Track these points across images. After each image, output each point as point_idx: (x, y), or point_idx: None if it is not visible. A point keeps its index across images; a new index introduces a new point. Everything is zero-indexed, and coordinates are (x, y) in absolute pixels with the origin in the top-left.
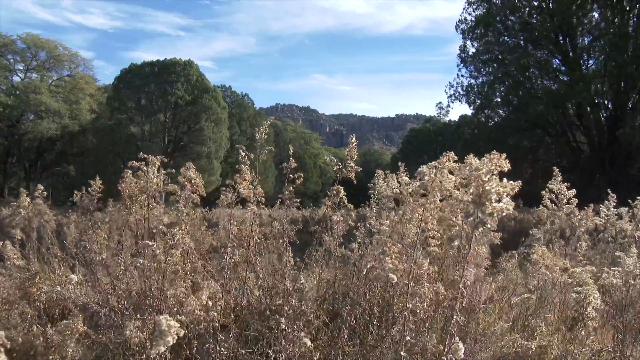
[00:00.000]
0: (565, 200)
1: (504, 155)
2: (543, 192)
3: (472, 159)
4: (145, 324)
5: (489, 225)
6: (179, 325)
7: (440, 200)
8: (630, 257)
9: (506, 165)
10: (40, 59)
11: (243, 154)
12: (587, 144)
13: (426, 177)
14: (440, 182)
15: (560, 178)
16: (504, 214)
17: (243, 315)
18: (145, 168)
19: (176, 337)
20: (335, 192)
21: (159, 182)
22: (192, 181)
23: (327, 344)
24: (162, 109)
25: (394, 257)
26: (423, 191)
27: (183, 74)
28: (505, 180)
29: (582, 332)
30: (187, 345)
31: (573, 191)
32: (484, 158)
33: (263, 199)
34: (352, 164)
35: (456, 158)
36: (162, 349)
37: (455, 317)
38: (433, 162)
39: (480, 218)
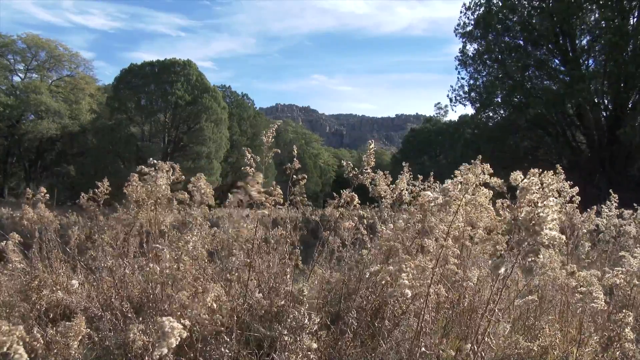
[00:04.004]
0: (567, 198)
1: (550, 173)
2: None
3: (517, 175)
4: (148, 327)
5: (541, 257)
6: (182, 327)
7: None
8: (634, 258)
9: (555, 183)
10: (40, 59)
11: (249, 156)
12: (587, 144)
13: (450, 194)
14: (473, 197)
15: (563, 176)
16: (555, 242)
17: (244, 318)
18: (153, 173)
19: (179, 339)
20: (349, 199)
21: (167, 189)
22: (202, 191)
23: (329, 346)
24: (162, 109)
25: (410, 275)
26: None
27: (183, 74)
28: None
29: (618, 353)
30: (189, 347)
31: (576, 189)
32: (529, 175)
33: (281, 200)
34: (369, 170)
35: (491, 171)
36: (165, 350)
37: (480, 335)
38: (459, 178)
39: (532, 247)
